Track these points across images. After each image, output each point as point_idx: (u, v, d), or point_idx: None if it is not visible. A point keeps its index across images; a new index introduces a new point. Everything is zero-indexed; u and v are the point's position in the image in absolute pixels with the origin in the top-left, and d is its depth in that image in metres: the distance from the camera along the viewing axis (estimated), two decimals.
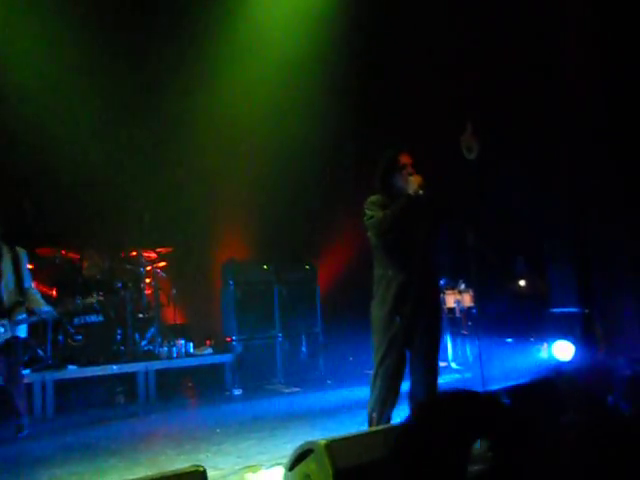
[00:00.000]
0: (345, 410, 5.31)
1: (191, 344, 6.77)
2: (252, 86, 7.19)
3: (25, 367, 5.98)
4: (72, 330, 6.31)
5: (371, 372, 7.45)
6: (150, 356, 6.52)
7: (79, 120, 6.54)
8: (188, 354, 6.69)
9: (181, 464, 3.84)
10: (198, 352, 6.77)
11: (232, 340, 6.73)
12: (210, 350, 6.80)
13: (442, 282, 7.03)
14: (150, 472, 3.70)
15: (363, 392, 6.13)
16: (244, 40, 7.15)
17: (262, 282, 7.03)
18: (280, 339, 7.04)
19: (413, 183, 3.40)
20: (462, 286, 7.16)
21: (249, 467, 3.59)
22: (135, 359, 6.38)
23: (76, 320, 6.30)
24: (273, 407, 5.76)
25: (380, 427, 2.81)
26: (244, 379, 6.69)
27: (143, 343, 6.66)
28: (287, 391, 6.62)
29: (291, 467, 2.72)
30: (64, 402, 6.02)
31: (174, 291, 6.94)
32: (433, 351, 3.51)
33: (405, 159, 3.53)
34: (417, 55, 7.32)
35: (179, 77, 6.98)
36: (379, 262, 3.53)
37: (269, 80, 7.22)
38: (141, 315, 6.75)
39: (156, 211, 6.89)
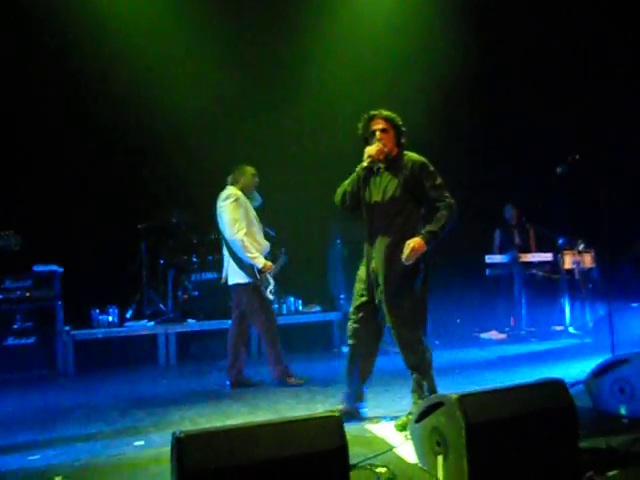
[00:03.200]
0: (457, 370, 5.22)
1: (300, 301, 6.94)
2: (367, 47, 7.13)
3: (149, 320, 6.44)
4: (190, 286, 6.67)
5: (478, 334, 7.24)
6: None
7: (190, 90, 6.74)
8: (297, 311, 6.87)
9: (300, 412, 3.98)
10: (307, 309, 6.93)
11: (340, 298, 6.82)
12: (318, 308, 6.94)
13: (560, 242, 6.65)
14: (272, 417, 3.88)
15: (473, 354, 6.06)
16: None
17: None
18: None
19: (365, 153, 3.48)
20: (581, 246, 6.73)
21: (368, 419, 3.64)
22: None
23: (193, 277, 6.64)
24: (382, 364, 5.73)
25: (514, 384, 2.72)
26: None
27: None
28: (395, 350, 6.61)
29: (418, 419, 2.72)
30: (185, 353, 6.44)
31: (283, 249, 7.09)
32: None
33: (375, 124, 3.54)
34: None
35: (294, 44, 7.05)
36: None
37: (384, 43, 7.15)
38: None
39: (266, 171, 7.04)
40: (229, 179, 4.89)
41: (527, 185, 7.43)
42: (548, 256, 6.82)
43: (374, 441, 3.22)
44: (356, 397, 3.66)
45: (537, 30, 7.25)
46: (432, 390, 3.53)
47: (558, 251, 6.68)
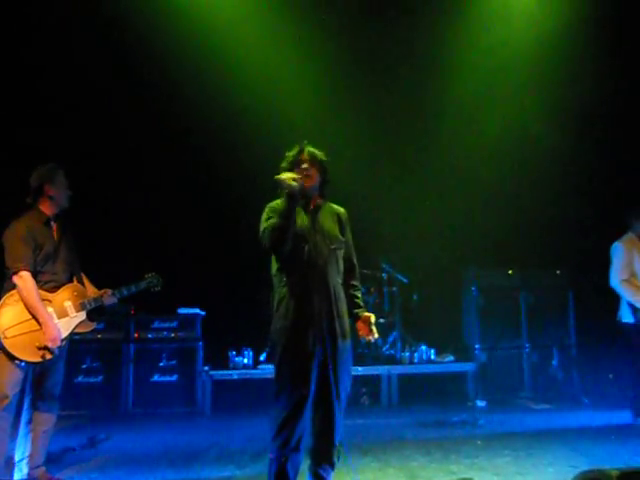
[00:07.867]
0: (612, 436, 4.65)
1: (432, 350, 6.69)
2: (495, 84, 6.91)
3: None
4: None
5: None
6: (392, 360, 6.60)
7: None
8: (429, 360, 6.62)
9: (433, 473, 3.77)
10: (439, 359, 6.66)
11: (475, 349, 6.48)
12: (452, 358, 6.63)
13: None
14: (403, 476, 3.71)
15: (628, 416, 5.36)
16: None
17: (507, 288, 6.62)
18: (527, 350, 6.55)
19: (284, 177, 2.92)
20: None
21: None
22: (378, 362, 6.51)
23: None
24: (522, 423, 5.34)
25: None
26: (487, 390, 6.36)
27: (385, 347, 6.78)
28: (536, 407, 6.11)
29: None
30: None
31: (415, 297, 6.94)
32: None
33: (302, 156, 3.11)
34: None
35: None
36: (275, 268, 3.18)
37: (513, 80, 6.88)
38: (382, 320, 6.86)
39: (397, 220, 7.02)
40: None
41: None
42: None
43: None
44: None
45: None
46: None
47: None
